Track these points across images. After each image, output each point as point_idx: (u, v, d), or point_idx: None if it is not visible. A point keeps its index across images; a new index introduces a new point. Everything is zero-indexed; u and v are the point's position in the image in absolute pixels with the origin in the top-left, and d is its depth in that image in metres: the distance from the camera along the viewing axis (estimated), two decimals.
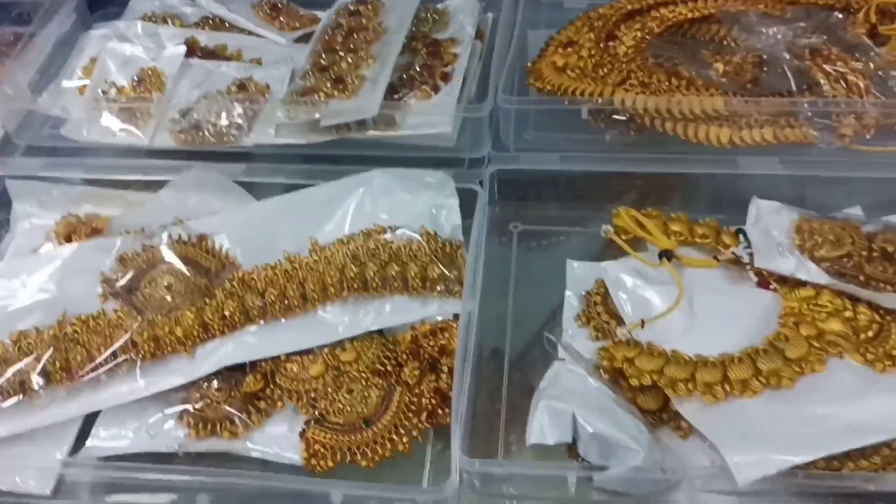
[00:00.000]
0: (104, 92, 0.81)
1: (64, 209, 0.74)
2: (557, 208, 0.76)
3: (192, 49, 0.85)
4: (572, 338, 0.65)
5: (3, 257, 0.72)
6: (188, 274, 0.66)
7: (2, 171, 0.76)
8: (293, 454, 0.59)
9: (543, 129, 0.78)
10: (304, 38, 0.87)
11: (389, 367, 0.62)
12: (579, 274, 0.69)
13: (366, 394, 0.61)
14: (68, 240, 0.72)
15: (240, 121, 0.77)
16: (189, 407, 0.61)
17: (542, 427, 0.57)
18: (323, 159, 0.76)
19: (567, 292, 0.68)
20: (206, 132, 0.77)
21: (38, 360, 0.62)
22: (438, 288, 0.66)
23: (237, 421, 0.60)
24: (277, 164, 0.75)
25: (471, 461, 0.55)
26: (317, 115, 0.75)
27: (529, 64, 0.82)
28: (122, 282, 0.66)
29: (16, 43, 0.88)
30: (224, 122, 0.77)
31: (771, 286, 0.65)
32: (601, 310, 0.66)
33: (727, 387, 0.58)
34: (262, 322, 0.65)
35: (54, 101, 0.81)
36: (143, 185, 0.75)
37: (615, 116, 0.76)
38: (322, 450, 0.59)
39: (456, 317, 0.65)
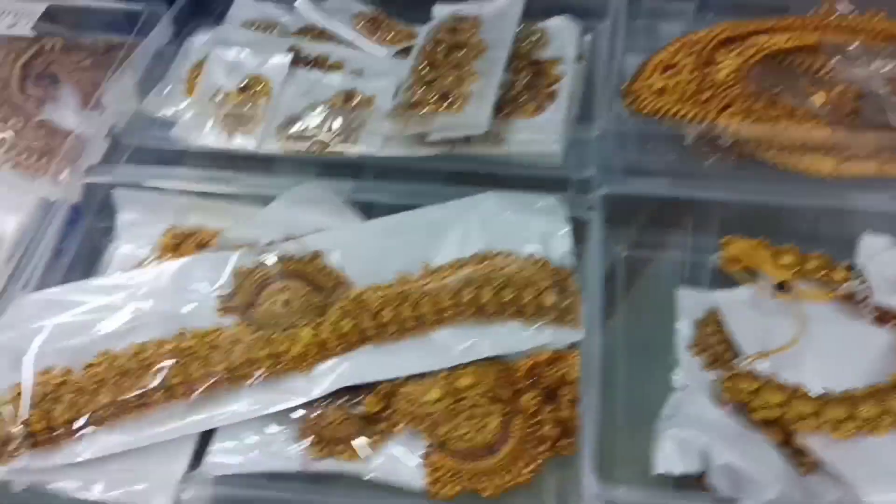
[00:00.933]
0: (212, 96, 0.81)
1: (170, 220, 0.74)
2: (663, 234, 0.75)
3: (296, 58, 0.85)
4: (687, 367, 0.64)
5: (108, 267, 0.72)
6: (304, 291, 0.66)
7: (108, 179, 0.76)
8: (413, 479, 0.59)
9: (643, 153, 0.77)
10: (403, 52, 0.87)
11: (507, 395, 0.62)
12: (690, 303, 0.69)
13: (486, 420, 0.61)
14: (175, 251, 0.72)
15: (347, 131, 0.78)
16: (308, 426, 0.61)
17: (670, 456, 0.57)
18: (426, 175, 0.76)
19: (678, 321, 0.68)
20: (313, 140, 0.77)
21: (157, 374, 0.62)
22: (552, 315, 0.65)
23: (356, 442, 0.61)
24: (379, 182, 0.76)
25: (607, 488, 0.54)
26: (425, 129, 0.75)
27: (625, 86, 0.82)
28: (239, 297, 0.66)
29: (108, 52, 0.89)
30: (331, 131, 0.78)
31: (892, 322, 0.64)
32: (715, 340, 0.66)
33: (855, 423, 0.58)
34: (377, 343, 0.64)
35: (161, 103, 0.82)
36: (249, 198, 0.75)
37: (717, 143, 0.76)
38: (446, 476, 0.59)
39: (570, 346, 0.64)
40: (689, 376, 0.64)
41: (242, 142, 0.79)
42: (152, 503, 0.58)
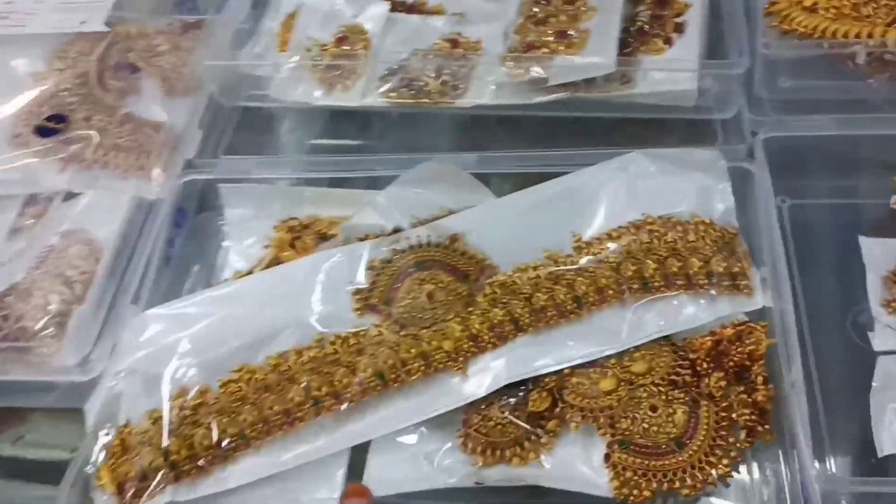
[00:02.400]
0: (308, 50, 0.75)
1: (283, 213, 0.68)
2: (831, 177, 0.67)
3: (393, 3, 0.78)
4: (885, 327, 0.57)
5: (224, 269, 0.67)
6: (447, 280, 0.60)
7: (208, 174, 0.70)
8: (596, 482, 0.53)
9: (799, 78, 0.69)
10: None
11: (688, 378, 0.56)
12: (877, 253, 0.61)
13: (670, 410, 0.54)
14: (292, 245, 0.66)
15: (455, 79, 0.71)
16: (471, 432, 0.55)
17: (894, 435, 0.50)
18: (546, 124, 0.69)
19: (868, 275, 0.60)
20: (420, 91, 0.71)
21: (301, 386, 0.56)
22: (725, 283, 0.58)
23: (526, 445, 0.55)
24: (510, 151, 0.68)
25: (835, 481, 0.48)
26: (543, 73, 0.68)
27: (768, 4, 0.72)
28: (377, 293, 0.60)
29: (186, 32, 0.82)
30: (438, 80, 0.71)
31: None
32: None
33: None
34: (534, 331, 0.58)
35: (254, 60, 0.76)
36: (364, 182, 0.69)
37: (886, 57, 0.66)
38: (634, 477, 0.52)
39: (749, 316, 0.57)
40: (888, 337, 0.56)
41: (343, 97, 0.73)
42: None
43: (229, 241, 0.68)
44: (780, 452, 0.53)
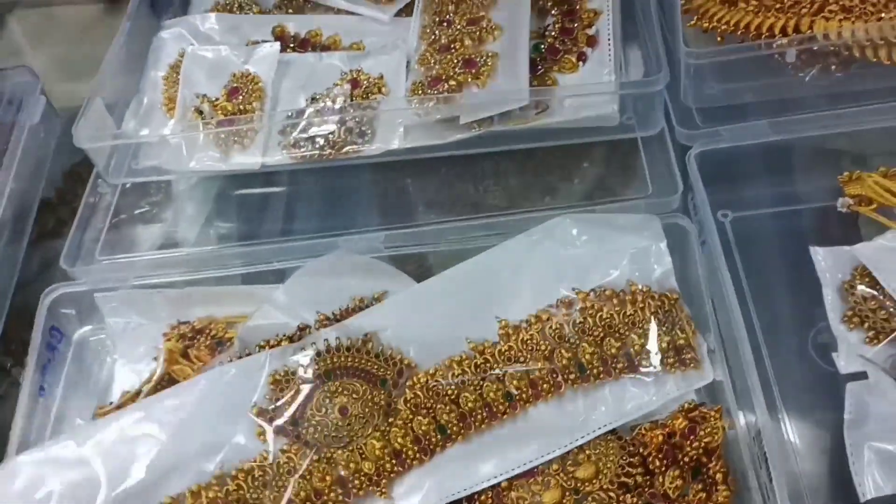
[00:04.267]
0: (197, 110, 0.68)
1: (172, 317, 0.60)
2: (772, 184, 0.63)
3: (283, 39, 0.72)
4: (847, 346, 0.52)
5: (110, 387, 0.58)
6: (362, 389, 0.53)
7: (84, 284, 0.61)
8: None
9: (727, 81, 0.64)
10: (404, 10, 0.73)
11: (639, 479, 0.49)
12: (830, 263, 0.56)
13: None
14: (186, 356, 0.59)
15: (361, 125, 0.64)
16: None
17: (876, 477, 0.46)
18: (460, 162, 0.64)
19: (823, 288, 0.55)
20: (324, 143, 0.64)
21: None
22: (670, 360, 0.52)
23: None
24: (418, 227, 0.62)
25: None
26: (452, 113, 0.62)
27: (684, 1, 0.67)
28: (283, 412, 0.52)
29: None
30: (343, 127, 0.64)
31: None
32: (871, 305, 0.53)
33: None
34: (463, 439, 0.51)
35: (140, 124, 0.69)
36: (265, 276, 0.61)
37: (816, 49, 0.61)
38: None
39: (698, 395, 0.52)
40: (853, 357, 0.52)
41: (243, 160, 0.66)
42: None
43: (115, 354, 0.60)
44: None
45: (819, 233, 0.60)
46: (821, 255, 0.57)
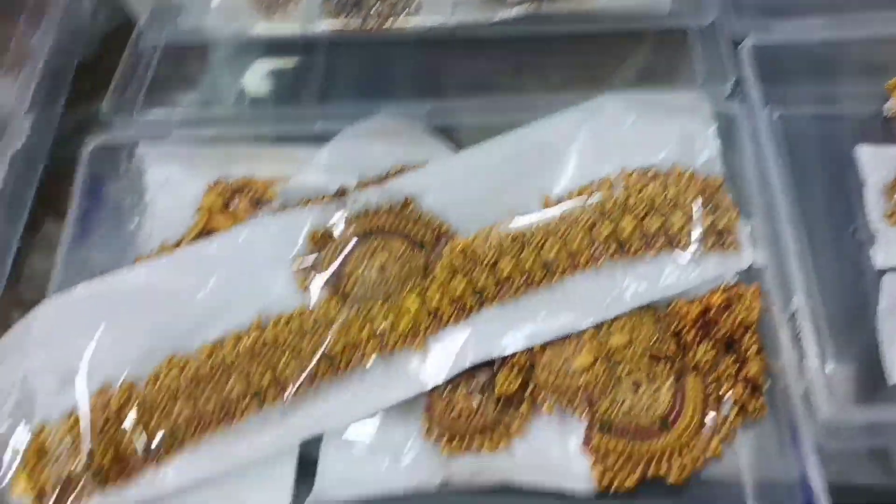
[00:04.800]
0: None
1: (214, 173, 0.60)
2: (820, 84, 0.61)
3: None
4: (886, 241, 0.53)
5: (147, 243, 0.59)
6: (401, 249, 0.53)
7: (128, 133, 0.62)
8: (575, 469, 0.48)
9: None
10: None
11: (672, 351, 0.50)
12: (875, 163, 0.56)
13: (654, 387, 0.49)
14: (225, 212, 0.59)
15: None
16: (434, 419, 0.49)
17: None
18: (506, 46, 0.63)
19: (866, 187, 0.55)
20: (369, 12, 0.64)
21: (240, 376, 0.50)
22: (710, 240, 0.52)
23: (496, 431, 0.49)
24: (466, 98, 0.61)
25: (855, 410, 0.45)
26: None
27: None
28: (324, 266, 0.53)
29: None
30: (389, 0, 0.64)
31: None
32: None
33: None
34: (499, 303, 0.52)
35: None
36: (305, 136, 0.61)
37: None
38: (617, 462, 0.47)
39: (739, 276, 0.52)
40: (891, 252, 0.52)
41: (285, 25, 0.66)
42: None
43: (153, 210, 0.60)
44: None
45: (864, 135, 0.59)
46: (865, 154, 0.57)
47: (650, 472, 0.47)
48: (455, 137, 0.59)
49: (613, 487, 0.47)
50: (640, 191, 0.54)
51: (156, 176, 0.61)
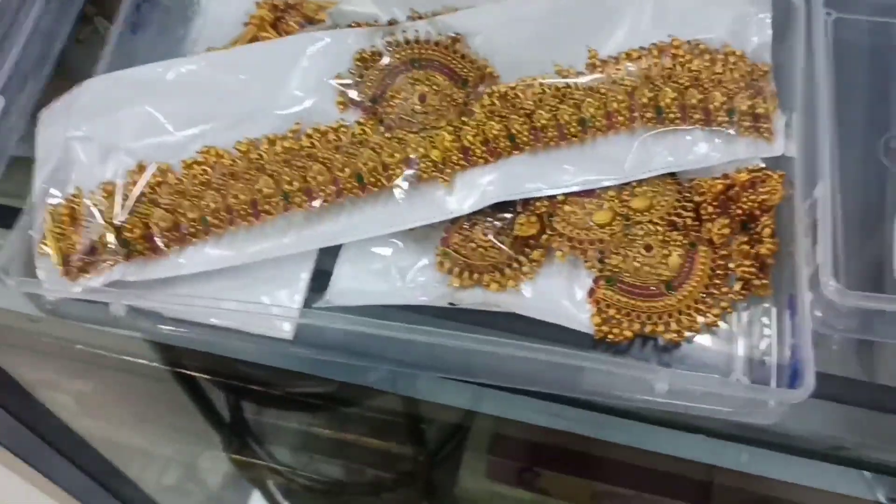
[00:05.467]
0: None
1: None
2: None
3: None
4: None
5: (195, 45, 0.60)
6: (443, 84, 0.54)
7: None
8: (575, 317, 0.50)
9: None
10: None
11: (689, 221, 0.51)
12: None
13: (666, 251, 0.50)
14: (274, 27, 0.59)
15: None
16: (449, 250, 0.51)
17: None
18: None
19: None
20: None
21: (271, 177, 0.51)
22: (745, 123, 0.53)
23: (507, 271, 0.51)
24: None
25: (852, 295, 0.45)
26: None
27: None
28: (365, 88, 0.54)
29: None
30: None
31: None
32: None
33: None
34: (531, 151, 0.53)
35: None
36: None
37: None
38: (616, 315, 0.49)
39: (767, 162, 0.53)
40: None
41: None
42: (275, 332, 0.50)
43: (204, 13, 0.61)
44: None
45: None
46: None
47: (647, 330, 0.49)
48: None
49: (609, 337, 0.49)
50: (686, 63, 0.54)
51: None
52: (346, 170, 0.51)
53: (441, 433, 0.93)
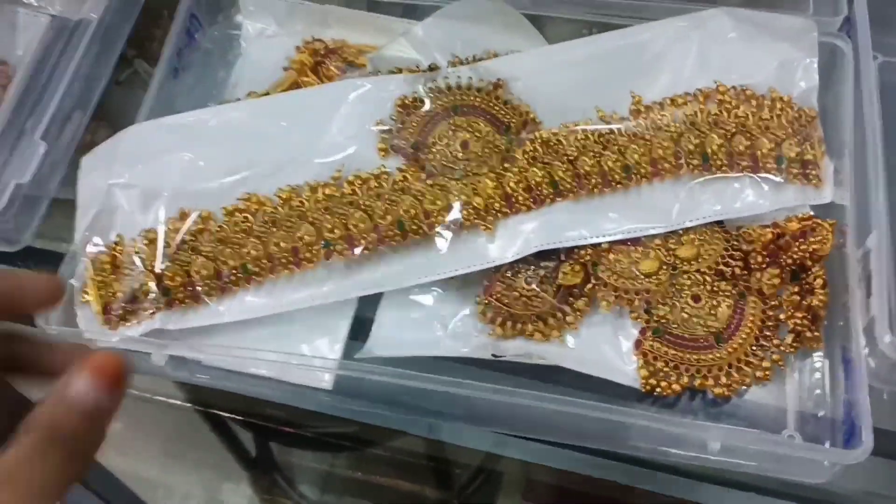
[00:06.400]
0: None
1: (308, 32, 0.61)
2: None
3: None
4: None
5: (236, 88, 0.60)
6: (485, 130, 0.53)
7: None
8: (621, 369, 0.49)
9: None
10: None
11: (737, 271, 0.50)
12: None
13: (714, 302, 0.49)
14: (315, 72, 0.59)
15: None
16: (491, 300, 0.50)
17: None
18: None
19: None
20: None
21: (313, 225, 0.51)
22: (794, 170, 0.52)
23: (550, 321, 0.50)
24: None
25: None
26: None
27: None
28: (407, 134, 0.53)
29: None
30: None
31: None
32: None
33: None
34: (574, 198, 0.52)
35: None
36: (400, 8, 0.61)
37: None
38: (664, 368, 0.48)
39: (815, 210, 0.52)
40: None
41: None
42: (314, 382, 0.50)
43: (245, 58, 0.61)
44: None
45: None
46: None
47: (696, 384, 0.48)
48: (551, 30, 0.59)
49: (657, 391, 0.48)
50: (732, 109, 0.53)
51: (251, 27, 0.62)
52: (388, 217, 0.51)
53: (471, 476, 0.91)
